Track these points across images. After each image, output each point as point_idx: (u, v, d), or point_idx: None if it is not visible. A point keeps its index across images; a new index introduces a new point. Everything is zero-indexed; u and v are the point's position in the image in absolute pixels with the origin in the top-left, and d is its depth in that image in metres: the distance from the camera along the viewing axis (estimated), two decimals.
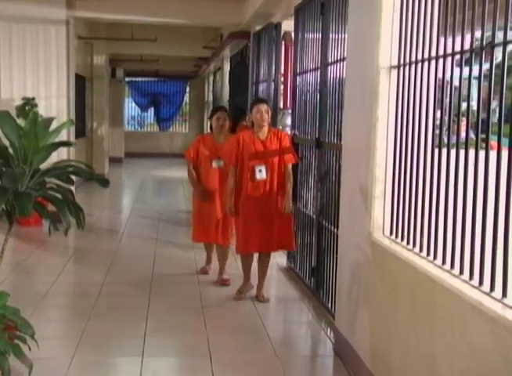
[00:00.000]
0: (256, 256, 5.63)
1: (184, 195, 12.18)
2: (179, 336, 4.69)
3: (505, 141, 2.71)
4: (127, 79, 21.87)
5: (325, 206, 5.44)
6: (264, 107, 5.38)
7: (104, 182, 3.98)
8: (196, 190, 6.10)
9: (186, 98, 23.33)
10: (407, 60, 3.53)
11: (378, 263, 3.62)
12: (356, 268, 4.00)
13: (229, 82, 13.46)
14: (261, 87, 8.53)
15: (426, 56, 3.34)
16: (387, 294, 3.46)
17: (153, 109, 23.33)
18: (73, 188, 4.62)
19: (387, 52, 3.70)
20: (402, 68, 3.60)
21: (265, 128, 5.44)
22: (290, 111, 9.84)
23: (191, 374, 4.03)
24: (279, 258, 6.94)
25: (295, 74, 6.61)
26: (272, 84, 7.96)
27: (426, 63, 3.33)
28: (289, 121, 9.77)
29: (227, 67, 14.04)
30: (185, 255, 7.12)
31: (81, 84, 13.86)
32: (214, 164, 5.97)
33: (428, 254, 3.16)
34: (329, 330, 4.83)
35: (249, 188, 5.37)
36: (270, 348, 4.47)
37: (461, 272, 2.81)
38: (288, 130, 9.60)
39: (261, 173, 5.34)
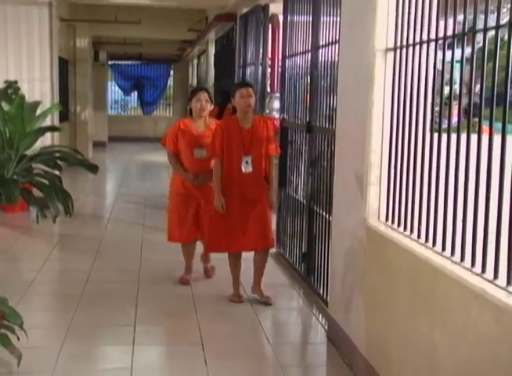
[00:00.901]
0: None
1: (169, 180, 12.06)
2: (170, 324, 4.63)
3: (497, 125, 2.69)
4: (110, 62, 21.58)
5: (316, 191, 5.37)
6: (248, 91, 4.86)
7: (93, 168, 3.91)
8: (188, 178, 5.34)
9: (170, 81, 23.12)
10: (404, 43, 3.45)
11: (374, 250, 3.57)
12: (351, 254, 3.94)
13: (215, 65, 13.31)
14: (249, 70, 8.43)
15: (424, 38, 3.27)
16: (384, 282, 3.40)
17: (136, 92, 23.11)
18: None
19: (383, 34, 3.61)
20: (398, 51, 3.53)
21: (250, 115, 4.94)
22: (277, 95, 9.78)
23: (183, 362, 3.96)
24: None
25: (284, 57, 6.51)
26: (260, 67, 7.86)
27: (424, 46, 3.26)
28: (276, 104, 9.67)
29: (212, 50, 13.88)
30: None
31: (64, 68, 13.64)
32: (196, 154, 5.27)
33: (427, 240, 3.10)
34: (320, 316, 4.79)
35: (234, 181, 4.86)
36: (262, 335, 4.43)
37: (462, 259, 2.75)
38: (276, 114, 9.56)
39: (248, 165, 4.86)
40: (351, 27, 4.03)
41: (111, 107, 23.24)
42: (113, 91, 23.40)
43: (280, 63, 6.64)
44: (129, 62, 22.47)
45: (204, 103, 5.26)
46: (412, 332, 3.03)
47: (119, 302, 4.99)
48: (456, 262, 2.76)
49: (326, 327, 4.49)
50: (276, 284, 5.74)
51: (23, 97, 3.77)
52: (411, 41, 3.38)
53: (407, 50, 3.41)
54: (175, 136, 5.35)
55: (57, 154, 3.88)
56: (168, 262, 6.16)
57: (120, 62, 22.41)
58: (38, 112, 3.75)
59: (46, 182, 3.72)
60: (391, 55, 3.60)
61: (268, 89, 8.58)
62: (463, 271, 2.66)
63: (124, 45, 18.35)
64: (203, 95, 5.28)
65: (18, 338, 3.56)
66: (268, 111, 8.57)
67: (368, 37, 3.68)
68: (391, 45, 3.59)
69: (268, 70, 8.30)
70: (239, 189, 4.88)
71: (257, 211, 4.93)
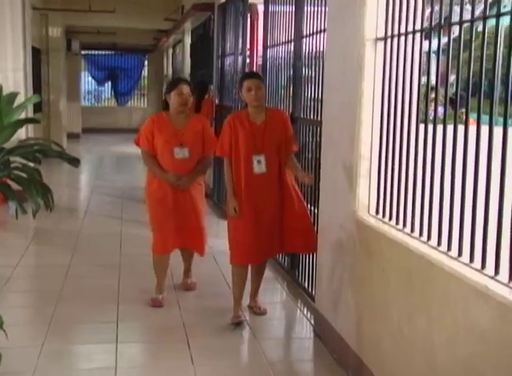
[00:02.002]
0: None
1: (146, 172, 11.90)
2: (153, 320, 4.51)
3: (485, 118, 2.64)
4: (83, 52, 21.28)
5: (300, 183, 5.28)
6: (255, 83, 4.32)
7: (74, 162, 3.74)
8: (169, 180, 4.65)
9: (144, 72, 22.86)
10: (395, 32, 3.37)
11: (365, 243, 3.49)
12: (339, 248, 3.86)
13: (191, 56, 13.14)
14: (228, 60, 8.30)
15: (416, 27, 3.19)
16: (375, 276, 3.33)
17: (110, 83, 22.84)
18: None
19: (373, 23, 3.53)
20: (389, 40, 3.45)
21: (260, 109, 4.39)
22: None
23: (169, 359, 3.85)
24: None
25: (265, 47, 6.40)
26: (240, 57, 7.73)
27: (416, 35, 3.18)
28: None
29: (188, 40, 13.70)
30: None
31: (36, 57, 13.37)
32: (177, 154, 4.62)
33: (421, 234, 3.04)
34: (306, 310, 4.72)
35: (244, 184, 4.29)
36: (247, 331, 4.34)
37: (460, 254, 2.69)
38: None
39: (260, 165, 4.27)
40: (339, 16, 3.94)
41: (84, 98, 22.92)
42: (87, 81, 23.07)
43: (261, 54, 6.52)
44: (103, 52, 22.17)
45: (186, 97, 4.63)
46: (407, 328, 2.96)
47: (100, 298, 4.86)
48: (453, 257, 2.70)
49: (313, 322, 4.42)
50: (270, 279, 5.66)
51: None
52: (402, 31, 3.29)
53: (399, 39, 3.33)
54: (150, 134, 4.67)
55: (36, 147, 3.71)
56: (149, 257, 5.97)
57: (93, 52, 22.10)
58: (15, 104, 3.60)
59: (25, 175, 3.55)
60: (381, 44, 3.52)
61: None
62: (461, 266, 2.59)
63: (97, 34, 18.09)
64: (185, 88, 4.63)
65: None
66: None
67: (357, 26, 3.59)
68: (381, 34, 3.51)
69: (247, 60, 8.19)
70: (250, 193, 4.28)
71: (274, 215, 4.34)
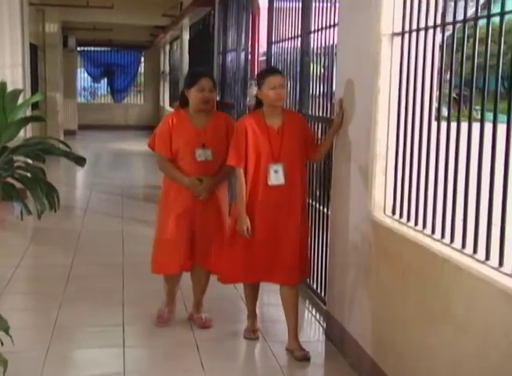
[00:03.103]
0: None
1: (145, 169, 11.81)
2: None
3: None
4: (79, 49, 21.09)
5: (310, 183, 5.18)
6: (279, 80, 3.79)
7: (80, 161, 3.64)
8: (192, 185, 4.05)
9: (141, 68, 22.70)
10: (413, 27, 3.26)
11: (382, 245, 3.39)
12: (353, 250, 3.76)
13: (189, 52, 13.02)
14: (230, 56, 8.18)
15: (434, 22, 3.09)
16: (394, 279, 3.23)
17: (106, 80, 22.67)
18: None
19: (389, 17, 3.42)
20: (406, 35, 3.34)
21: (279, 110, 3.87)
22: None
23: (178, 364, 3.75)
24: None
25: (270, 43, 6.28)
26: (242, 53, 7.61)
27: (435, 30, 3.09)
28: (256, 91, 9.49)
29: (186, 36, 13.58)
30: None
31: (33, 54, 13.21)
32: (200, 156, 4.07)
33: (443, 236, 2.94)
34: (316, 312, 4.62)
35: (259, 196, 3.80)
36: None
37: (487, 257, 2.59)
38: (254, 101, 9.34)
39: (278, 175, 3.77)
40: (352, 11, 3.83)
41: (80, 95, 22.74)
42: (82, 78, 22.88)
43: (265, 50, 6.40)
44: (99, 48, 21.98)
45: (209, 94, 4.05)
46: (430, 334, 2.85)
47: (104, 300, 4.75)
48: (480, 261, 2.59)
49: (324, 325, 4.32)
50: (270, 290, 5.54)
51: (4, 84, 3.48)
52: (421, 25, 3.19)
53: (417, 34, 3.22)
54: (168, 136, 4.10)
55: (41, 146, 3.60)
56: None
57: (89, 48, 21.91)
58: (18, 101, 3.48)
59: (29, 175, 3.44)
60: (398, 40, 3.42)
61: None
62: (490, 270, 2.49)
63: (93, 30, 17.93)
64: (208, 83, 4.05)
65: (2, 344, 3.31)
66: (248, 99, 8.35)
67: (372, 20, 3.48)
68: (398, 29, 3.40)
69: (249, 56, 8.07)
70: (265, 207, 3.81)
71: (290, 233, 3.83)
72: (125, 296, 4.83)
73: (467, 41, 2.81)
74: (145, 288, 4.98)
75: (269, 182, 3.78)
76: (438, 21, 3.06)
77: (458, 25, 2.88)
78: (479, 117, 2.65)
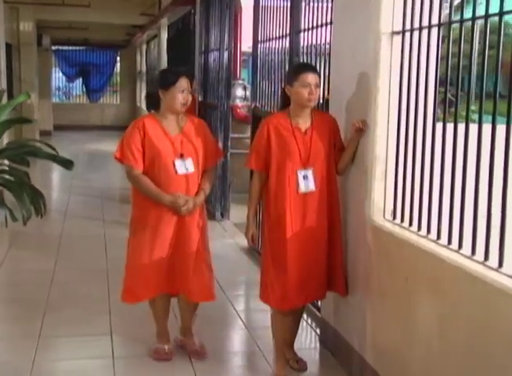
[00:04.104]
0: None
1: (123, 170, 11.52)
2: (150, 331, 4.22)
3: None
4: (53, 48, 20.76)
5: None
6: (314, 78, 3.43)
7: (68, 164, 3.49)
8: (173, 204, 3.52)
9: (117, 68, 22.43)
10: (414, 25, 3.17)
11: (383, 250, 3.28)
12: (351, 255, 3.65)
13: (168, 51, 12.85)
14: (212, 56, 8.03)
15: (435, 20, 3.00)
16: (397, 286, 3.12)
17: (81, 79, 22.35)
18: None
19: (389, 15, 3.32)
20: (407, 34, 3.25)
21: (308, 111, 3.53)
22: (240, 82, 9.45)
23: (172, 374, 3.62)
24: (238, 238, 6.58)
25: (256, 43, 6.16)
26: (225, 53, 7.48)
27: (435, 29, 3.01)
28: (239, 92, 9.37)
29: (164, 35, 13.42)
30: None
31: (8, 53, 12.92)
32: (180, 169, 3.54)
33: (450, 242, 2.84)
34: (310, 319, 4.49)
35: (287, 206, 3.42)
36: (250, 340, 4.12)
37: (500, 265, 2.50)
38: (238, 102, 9.22)
39: (307, 181, 3.41)
40: (348, 9, 3.72)
41: (54, 95, 22.39)
42: (56, 77, 22.54)
43: (251, 49, 6.28)
44: (74, 47, 21.66)
45: (186, 95, 3.57)
46: (438, 343, 2.76)
47: (90, 308, 4.60)
48: (493, 268, 2.50)
49: (319, 332, 4.21)
50: (254, 282, 5.42)
51: None
52: (423, 24, 3.10)
53: (420, 33, 3.13)
54: (139, 145, 3.53)
55: (26, 149, 3.44)
56: None
57: (64, 47, 21.58)
58: None
59: (14, 179, 3.28)
60: (398, 38, 3.32)
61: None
62: (504, 278, 2.40)
63: (68, 29, 17.64)
64: (187, 84, 3.58)
65: None
66: (231, 99, 8.22)
67: (371, 19, 3.38)
68: (398, 27, 3.31)
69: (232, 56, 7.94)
70: (295, 217, 3.43)
71: (322, 248, 3.50)
72: (112, 303, 4.67)
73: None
74: None
75: (300, 190, 3.42)
76: (442, 19, 2.98)
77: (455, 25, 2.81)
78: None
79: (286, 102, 3.56)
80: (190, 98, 3.61)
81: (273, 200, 3.46)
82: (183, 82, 3.57)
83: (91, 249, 6.20)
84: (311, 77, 3.40)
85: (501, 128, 2.48)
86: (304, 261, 3.45)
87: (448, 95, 3.10)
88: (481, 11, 2.64)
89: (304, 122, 3.50)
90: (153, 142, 3.54)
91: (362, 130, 3.43)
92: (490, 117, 2.55)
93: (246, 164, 3.57)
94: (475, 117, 2.61)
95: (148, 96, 3.77)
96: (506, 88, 2.42)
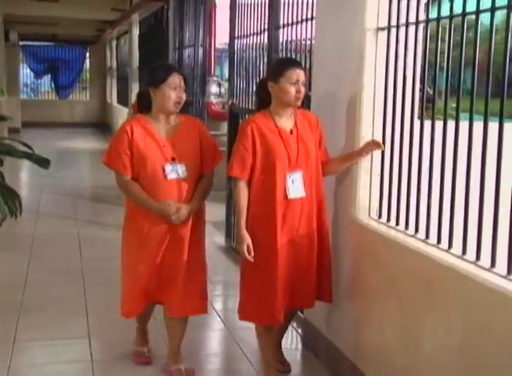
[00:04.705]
0: None
1: (94, 168, 11.41)
2: (129, 333, 4.12)
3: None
4: (21, 43, 20.38)
5: None
6: (302, 74, 3.20)
7: (44, 163, 3.38)
8: (164, 212, 3.26)
9: (86, 64, 22.13)
10: (402, 21, 3.12)
11: (370, 250, 3.23)
12: (335, 255, 3.59)
13: (140, 47, 12.69)
14: (187, 52, 7.93)
15: (422, 16, 2.97)
16: (384, 287, 3.07)
17: (49, 76, 22.01)
18: None
19: (374, 10, 3.27)
20: (393, 30, 3.19)
21: (291, 110, 3.28)
22: (214, 78, 9.37)
23: None
24: (216, 237, 6.51)
25: (232, 38, 6.08)
26: (201, 49, 7.39)
27: (422, 25, 2.97)
28: (214, 88, 9.29)
29: (136, 31, 13.24)
30: (113, 235, 6.47)
31: None
32: (170, 174, 3.28)
33: (439, 241, 2.80)
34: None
35: (277, 213, 3.18)
36: (232, 341, 4.04)
37: (493, 264, 2.46)
38: (213, 98, 9.14)
39: (296, 185, 3.18)
40: (332, 4, 3.65)
41: (21, 91, 22.00)
42: (24, 74, 22.15)
43: (228, 45, 6.19)
44: (42, 43, 21.30)
45: (179, 93, 3.28)
46: (430, 345, 2.71)
47: (66, 310, 4.47)
48: (485, 268, 2.46)
49: (301, 332, 4.15)
50: (233, 282, 5.35)
51: None
52: (410, 20, 3.06)
53: (407, 29, 3.08)
54: (128, 149, 3.28)
55: (1, 148, 3.32)
56: (112, 261, 5.56)
57: (32, 43, 21.20)
58: None
59: None
60: (383, 34, 3.27)
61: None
62: (498, 278, 2.36)
63: (37, 24, 17.31)
64: (180, 80, 3.29)
65: None
66: (207, 96, 8.14)
67: (356, 14, 3.33)
68: (383, 23, 3.25)
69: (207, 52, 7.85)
70: (284, 224, 3.20)
71: (312, 257, 3.30)
72: (88, 305, 4.56)
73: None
74: (108, 296, 4.65)
75: (289, 196, 3.18)
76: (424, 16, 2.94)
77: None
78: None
79: (265, 100, 3.28)
80: (184, 96, 3.31)
81: (261, 207, 3.20)
82: (175, 78, 3.26)
83: (65, 249, 6.07)
84: (298, 74, 3.16)
85: (493, 126, 2.46)
86: (294, 271, 3.26)
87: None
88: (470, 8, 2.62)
89: (288, 122, 3.26)
90: (142, 145, 3.27)
91: (379, 147, 3.23)
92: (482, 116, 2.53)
93: (229, 172, 3.22)
94: (466, 115, 2.58)
95: (140, 97, 3.43)
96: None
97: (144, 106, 3.38)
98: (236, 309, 3.44)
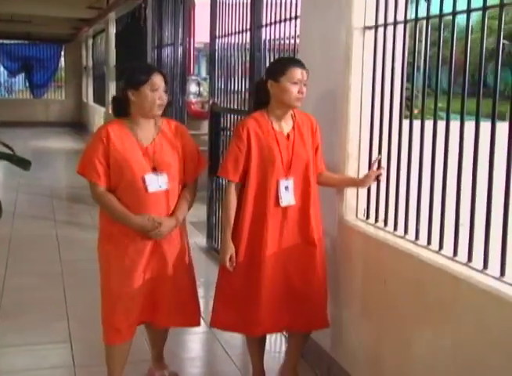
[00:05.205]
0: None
1: (71, 168, 11.21)
2: None
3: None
4: None
5: None
6: (305, 74, 3.02)
7: (26, 164, 3.29)
8: (143, 227, 3.00)
9: (61, 63, 21.90)
10: (388, 20, 3.10)
11: (357, 252, 3.20)
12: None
13: (117, 46, 12.56)
14: (166, 51, 7.85)
15: (410, 15, 2.94)
16: (374, 289, 3.04)
17: (24, 74, 21.75)
18: None
19: (361, 9, 3.24)
20: (380, 29, 3.17)
21: (291, 111, 3.11)
22: (193, 78, 9.30)
23: None
24: (196, 238, 6.44)
25: (213, 38, 6.01)
26: (180, 48, 7.31)
27: (410, 24, 2.95)
28: (193, 87, 9.22)
29: (112, 30, 13.10)
30: (92, 236, 6.32)
31: None
32: (151, 185, 3.00)
33: (429, 242, 2.78)
34: None
35: (268, 221, 3.03)
36: (218, 345, 3.99)
37: (485, 266, 2.44)
38: (192, 98, 9.07)
39: (288, 192, 3.03)
40: (317, 3, 3.62)
41: None
42: None
43: (209, 44, 6.13)
44: (15, 41, 21.02)
45: (161, 95, 2.99)
46: (423, 349, 2.68)
47: (47, 314, 4.38)
48: (477, 270, 2.45)
49: (285, 333, 4.11)
50: (214, 284, 5.28)
51: None
52: (398, 19, 3.03)
53: (395, 28, 3.06)
54: (104, 158, 3.00)
55: None
56: (92, 262, 5.47)
57: (5, 41, 20.91)
58: None
59: None
60: (370, 33, 3.24)
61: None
62: (491, 280, 2.34)
63: (10, 22, 17.04)
64: (161, 81, 3.00)
65: None
66: (187, 95, 8.06)
67: (342, 13, 3.29)
68: (370, 22, 3.23)
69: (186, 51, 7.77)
70: (274, 233, 3.05)
71: (304, 269, 3.13)
72: (69, 309, 4.47)
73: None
74: (89, 298, 4.53)
75: (281, 203, 3.03)
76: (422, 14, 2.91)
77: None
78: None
79: (263, 100, 3.10)
80: (166, 98, 3.02)
81: (251, 214, 3.03)
82: (157, 79, 2.97)
83: (44, 251, 5.96)
84: (301, 73, 2.99)
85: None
86: (286, 285, 3.09)
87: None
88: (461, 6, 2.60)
89: (286, 124, 3.08)
90: (119, 154, 2.98)
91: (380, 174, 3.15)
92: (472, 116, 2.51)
93: (221, 173, 3.07)
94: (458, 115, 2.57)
95: (114, 100, 3.15)
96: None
97: (120, 109, 3.09)
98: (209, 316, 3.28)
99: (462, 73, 2.52)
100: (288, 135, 3.07)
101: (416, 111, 2.94)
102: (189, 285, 3.24)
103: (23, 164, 3.26)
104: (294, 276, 3.11)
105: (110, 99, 3.26)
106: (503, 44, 2.48)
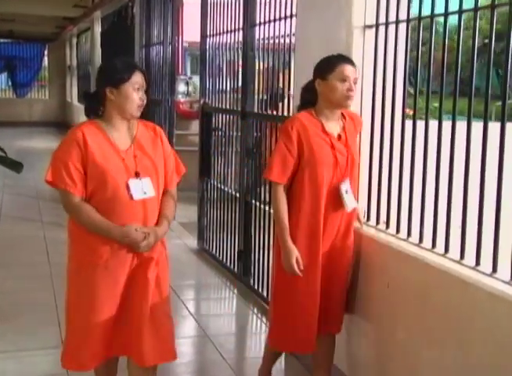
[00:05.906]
0: None
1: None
2: None
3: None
4: None
5: (255, 184, 4.91)
6: (354, 72, 2.85)
7: (17, 166, 3.21)
8: (128, 239, 2.63)
9: (45, 62, 21.71)
10: (391, 19, 3.05)
11: (359, 255, 3.15)
12: None
13: (102, 45, 12.44)
14: (154, 51, 7.76)
15: (412, 14, 2.90)
16: (376, 292, 2.99)
17: (6, 73, 21.53)
18: None
19: (361, 8, 3.19)
20: (381, 28, 3.12)
21: (340, 111, 2.93)
22: (182, 77, 9.22)
23: None
24: (187, 239, 6.39)
25: (204, 37, 5.94)
26: (169, 47, 7.22)
27: (411, 23, 2.91)
28: (181, 87, 9.14)
29: (98, 29, 12.98)
30: None
31: None
32: (136, 193, 2.65)
33: (434, 245, 2.73)
34: (265, 319, 4.34)
35: (318, 225, 2.86)
36: (213, 349, 3.91)
37: (494, 270, 2.40)
38: (181, 97, 8.99)
39: (349, 196, 2.87)
40: (315, 1, 3.57)
41: None
42: None
43: (199, 44, 6.05)
44: None
45: (143, 95, 2.70)
46: (427, 354, 2.64)
47: (37, 319, 4.27)
48: (486, 274, 2.40)
49: None
50: (206, 284, 5.26)
51: None
52: (400, 18, 2.99)
53: (397, 27, 3.01)
54: (79, 163, 2.62)
55: None
56: None
57: None
58: None
59: None
60: (370, 32, 3.19)
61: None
62: (499, 284, 2.30)
63: None
64: (142, 79, 2.70)
65: None
66: (176, 95, 7.99)
67: (342, 12, 3.24)
68: (370, 21, 3.18)
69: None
70: (327, 241, 2.92)
71: (338, 272, 3.02)
72: (60, 313, 4.34)
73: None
74: None
75: (347, 209, 2.88)
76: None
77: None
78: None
79: (310, 99, 2.93)
80: (145, 98, 2.71)
81: (305, 220, 2.85)
82: (138, 77, 2.68)
83: (32, 254, 5.85)
84: (350, 70, 2.81)
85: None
86: (326, 289, 2.96)
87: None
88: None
89: (336, 125, 2.90)
90: (98, 158, 2.62)
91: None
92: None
93: (266, 175, 2.87)
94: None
95: (87, 97, 2.83)
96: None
97: (93, 110, 2.77)
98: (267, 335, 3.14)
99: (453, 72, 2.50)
100: (339, 136, 2.89)
101: (409, 111, 2.92)
102: (168, 309, 2.86)
103: (15, 166, 3.16)
104: (330, 279, 2.98)
105: (81, 94, 2.98)
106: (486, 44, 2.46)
